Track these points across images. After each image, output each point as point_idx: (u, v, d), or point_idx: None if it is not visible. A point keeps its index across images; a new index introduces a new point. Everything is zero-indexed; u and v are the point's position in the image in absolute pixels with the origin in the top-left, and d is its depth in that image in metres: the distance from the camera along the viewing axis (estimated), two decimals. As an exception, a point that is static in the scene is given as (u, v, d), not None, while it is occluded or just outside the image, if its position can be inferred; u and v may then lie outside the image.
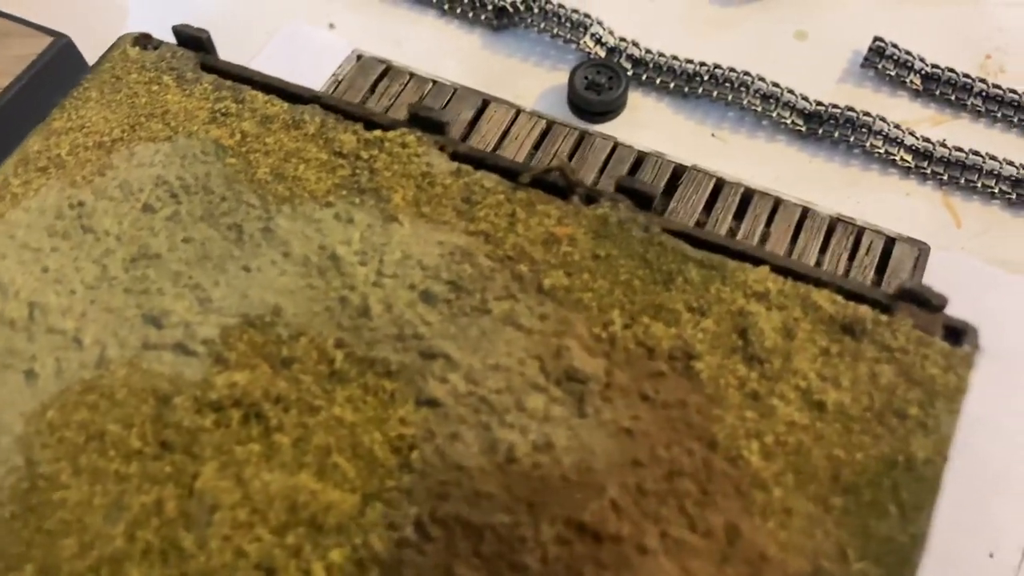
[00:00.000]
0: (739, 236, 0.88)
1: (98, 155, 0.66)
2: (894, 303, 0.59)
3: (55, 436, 0.55)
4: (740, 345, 0.57)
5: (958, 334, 0.58)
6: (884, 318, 0.58)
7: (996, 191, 0.95)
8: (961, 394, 0.55)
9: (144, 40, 0.73)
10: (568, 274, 0.60)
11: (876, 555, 0.50)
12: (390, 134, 0.66)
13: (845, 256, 0.87)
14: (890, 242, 0.88)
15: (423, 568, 0.50)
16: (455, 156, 0.66)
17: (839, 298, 0.58)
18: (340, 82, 0.93)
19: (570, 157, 0.92)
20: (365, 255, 0.61)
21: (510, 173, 0.65)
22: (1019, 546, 0.78)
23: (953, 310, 0.92)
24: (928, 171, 0.97)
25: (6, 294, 0.60)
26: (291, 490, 0.52)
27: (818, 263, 0.86)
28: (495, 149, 0.92)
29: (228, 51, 0.77)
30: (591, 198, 0.64)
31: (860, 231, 0.89)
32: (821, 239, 0.88)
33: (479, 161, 0.66)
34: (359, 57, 0.95)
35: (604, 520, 0.51)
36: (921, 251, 0.87)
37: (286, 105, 0.68)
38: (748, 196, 0.91)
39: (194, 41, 0.72)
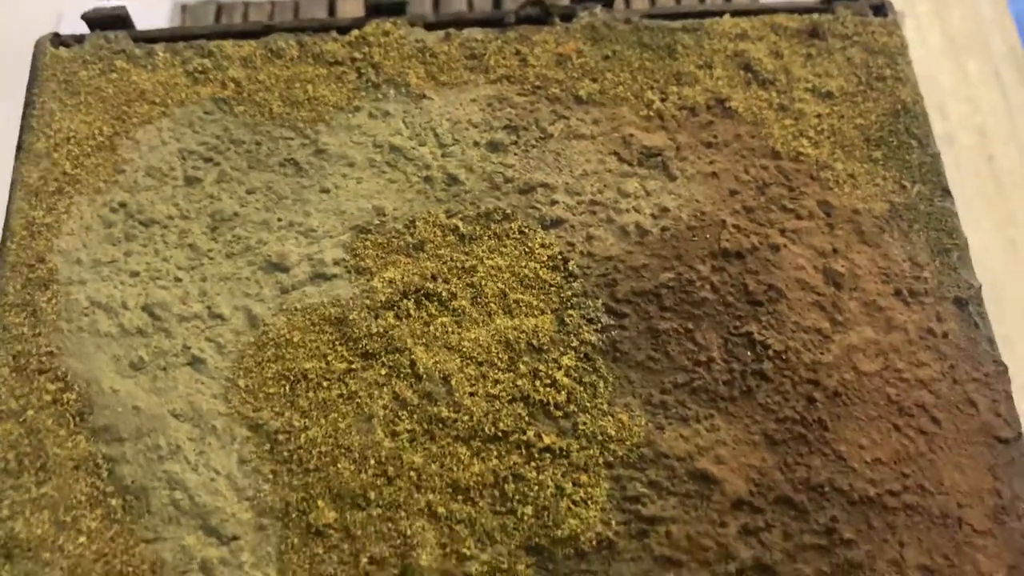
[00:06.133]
0: None
1: (104, 156, 0.64)
2: (830, 4, 0.72)
3: (259, 397, 0.57)
4: (750, 77, 0.68)
5: (881, 9, 0.73)
6: (830, 16, 0.71)
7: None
8: (907, 48, 0.71)
9: (58, 40, 0.69)
10: (593, 80, 0.68)
11: (914, 177, 0.65)
12: (367, 29, 0.69)
13: None
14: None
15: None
16: (429, 27, 0.71)
17: (795, 15, 0.71)
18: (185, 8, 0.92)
19: None
20: (419, 136, 0.65)
21: (491, 22, 0.70)
22: None
23: None
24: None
25: (115, 312, 0.59)
26: (495, 332, 0.58)
27: None
28: None
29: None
30: (567, 16, 0.71)
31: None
32: None
33: (455, 23, 0.71)
34: None
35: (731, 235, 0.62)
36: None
37: (253, 42, 0.69)
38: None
39: (112, 21, 0.70)
